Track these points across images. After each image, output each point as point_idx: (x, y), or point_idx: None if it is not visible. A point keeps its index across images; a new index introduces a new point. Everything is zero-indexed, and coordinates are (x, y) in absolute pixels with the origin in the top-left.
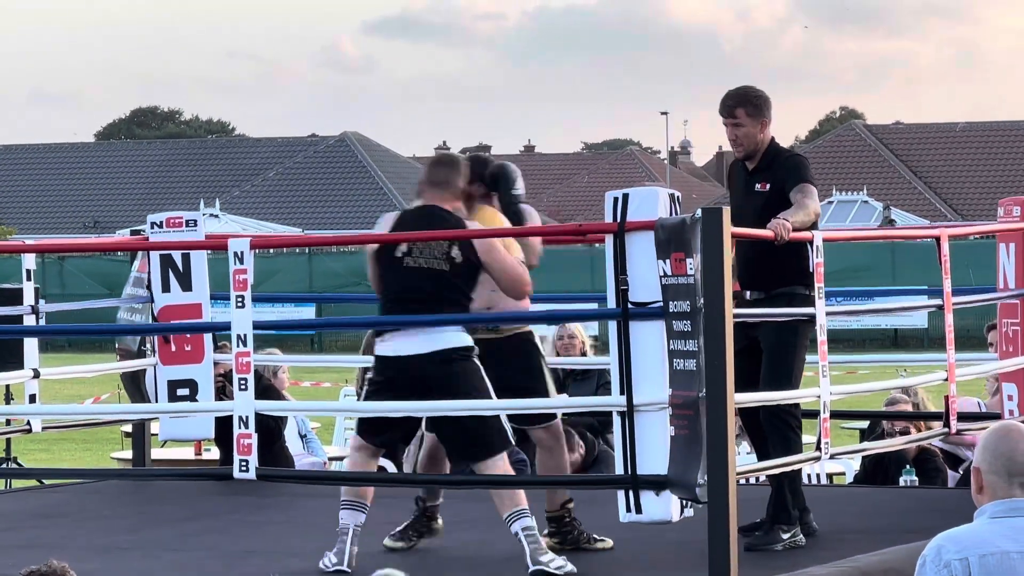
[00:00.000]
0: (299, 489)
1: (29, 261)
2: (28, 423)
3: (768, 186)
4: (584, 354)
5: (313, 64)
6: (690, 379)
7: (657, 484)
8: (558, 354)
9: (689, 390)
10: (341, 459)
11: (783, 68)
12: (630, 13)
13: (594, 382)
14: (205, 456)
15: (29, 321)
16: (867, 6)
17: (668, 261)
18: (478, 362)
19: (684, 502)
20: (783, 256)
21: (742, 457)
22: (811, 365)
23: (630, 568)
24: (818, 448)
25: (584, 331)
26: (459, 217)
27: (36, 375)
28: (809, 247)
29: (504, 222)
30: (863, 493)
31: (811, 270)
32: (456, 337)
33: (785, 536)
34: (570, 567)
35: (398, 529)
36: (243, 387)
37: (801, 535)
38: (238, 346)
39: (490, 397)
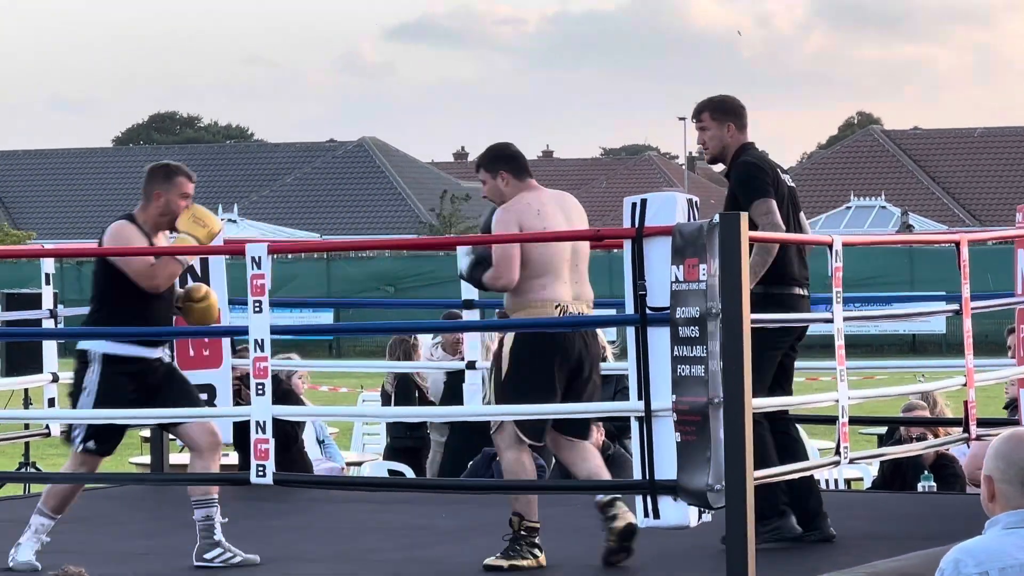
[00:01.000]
0: (317, 494)
1: (48, 266)
2: (47, 427)
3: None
4: (604, 359)
5: (332, 69)
6: (698, 385)
7: (675, 489)
8: None
9: (697, 396)
10: (360, 464)
11: (802, 74)
12: (650, 18)
13: (612, 387)
14: (223, 461)
15: (48, 325)
16: (888, 12)
17: (682, 267)
18: None
19: (701, 508)
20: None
21: None
22: (829, 371)
23: (648, 572)
24: (837, 452)
25: (604, 336)
26: None
27: (55, 379)
28: (829, 251)
29: None
30: (881, 499)
31: (781, 271)
32: None
33: (764, 530)
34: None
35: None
36: (260, 392)
37: (785, 528)
38: (255, 351)
39: None
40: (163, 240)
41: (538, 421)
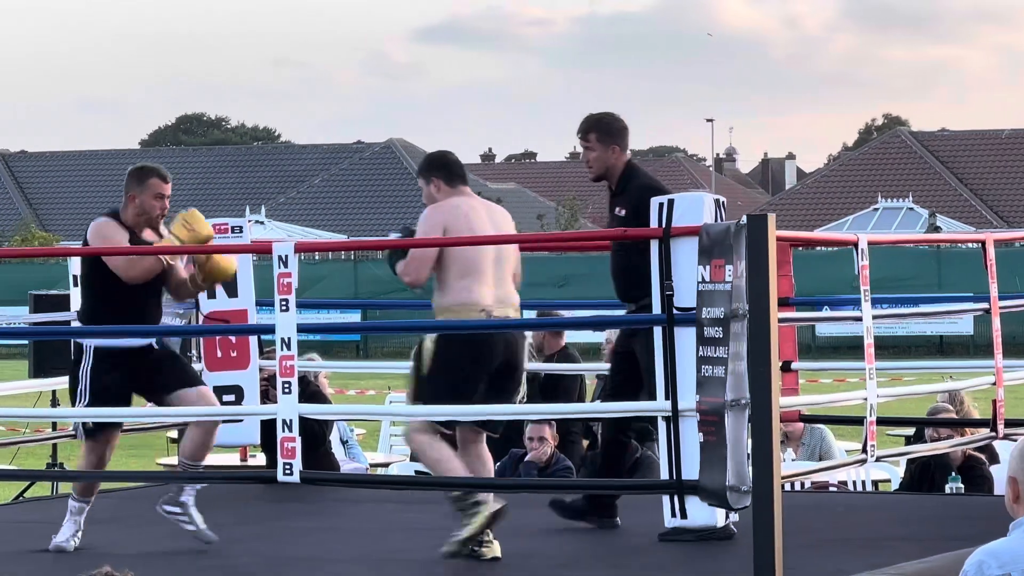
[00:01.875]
0: (343, 494)
1: (75, 267)
2: (74, 428)
3: (624, 211)
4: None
5: (361, 71)
6: (719, 386)
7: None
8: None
9: (717, 396)
10: (387, 465)
11: (830, 75)
12: (678, 20)
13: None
14: (251, 462)
15: (75, 327)
16: (916, 13)
17: (708, 267)
18: None
19: (722, 508)
20: (646, 269)
21: (786, 463)
22: (858, 371)
23: (674, 572)
24: (864, 451)
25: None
26: None
27: None
28: (855, 250)
29: None
30: (908, 500)
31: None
32: None
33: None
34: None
35: None
36: (287, 391)
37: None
38: (282, 350)
39: None
40: (153, 237)
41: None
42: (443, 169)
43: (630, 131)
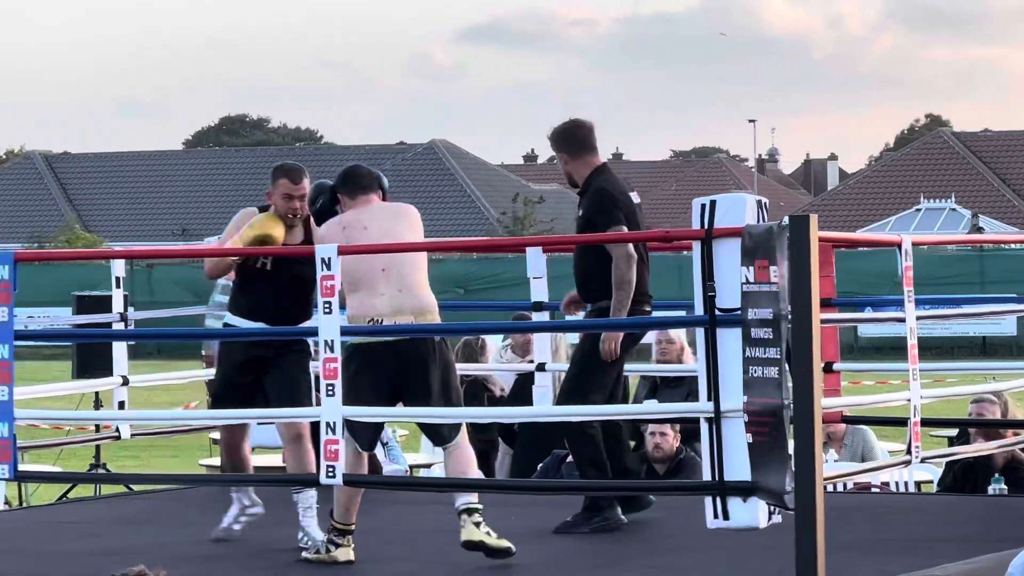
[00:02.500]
0: (386, 496)
1: (118, 268)
2: (117, 429)
3: (581, 212)
4: (681, 360)
5: (403, 72)
6: (771, 387)
7: (744, 490)
8: (657, 360)
9: (770, 398)
10: (429, 466)
11: (873, 75)
12: (720, 20)
13: (685, 389)
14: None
15: (118, 328)
16: (960, 13)
17: (751, 268)
18: None
19: (772, 509)
20: (602, 271)
21: (828, 464)
22: (900, 372)
23: (716, 573)
24: (908, 452)
25: (683, 337)
26: None
27: (125, 382)
28: (898, 251)
29: None
30: (951, 501)
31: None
32: None
33: (595, 519)
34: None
35: None
36: (330, 393)
37: (612, 520)
38: (326, 352)
39: None
40: (295, 236)
41: (366, 429)
42: (346, 183)
43: (584, 135)
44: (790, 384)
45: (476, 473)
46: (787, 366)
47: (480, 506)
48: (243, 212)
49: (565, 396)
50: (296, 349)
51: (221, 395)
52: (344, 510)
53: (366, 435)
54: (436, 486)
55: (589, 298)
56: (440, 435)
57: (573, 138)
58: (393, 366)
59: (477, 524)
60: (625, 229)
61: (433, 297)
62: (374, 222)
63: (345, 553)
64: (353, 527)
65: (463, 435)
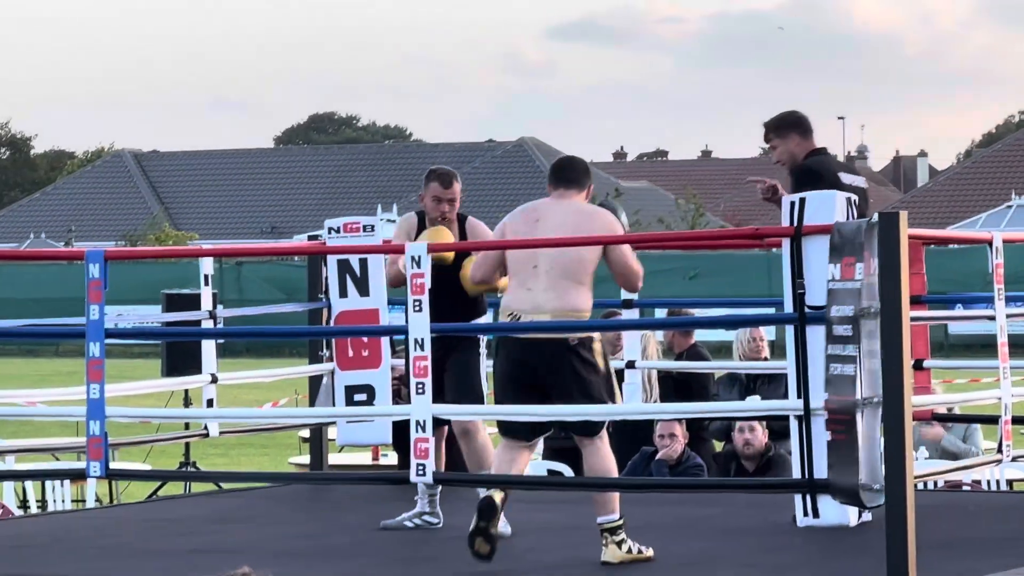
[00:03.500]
0: (475, 494)
1: (207, 266)
2: (205, 427)
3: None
4: (766, 358)
5: (493, 69)
6: (848, 384)
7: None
8: (744, 358)
9: (847, 395)
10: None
11: (964, 71)
12: (810, 17)
13: (782, 386)
14: (382, 461)
15: (207, 326)
16: None
17: (838, 265)
18: None
19: (855, 506)
20: None
21: (919, 462)
22: (991, 370)
23: (805, 572)
24: (999, 450)
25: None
26: None
27: (214, 380)
28: (988, 248)
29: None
30: None
31: None
32: None
33: None
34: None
35: None
36: (420, 391)
37: None
38: (415, 350)
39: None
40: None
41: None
42: (550, 173)
43: (807, 120)
44: (875, 381)
45: (613, 474)
46: (871, 363)
47: (620, 523)
48: (404, 219)
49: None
50: (466, 347)
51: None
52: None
53: (521, 428)
54: (527, 484)
55: None
56: (577, 431)
57: (801, 121)
58: (524, 363)
59: (619, 544)
60: None
61: (585, 300)
62: (551, 216)
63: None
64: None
65: (602, 436)
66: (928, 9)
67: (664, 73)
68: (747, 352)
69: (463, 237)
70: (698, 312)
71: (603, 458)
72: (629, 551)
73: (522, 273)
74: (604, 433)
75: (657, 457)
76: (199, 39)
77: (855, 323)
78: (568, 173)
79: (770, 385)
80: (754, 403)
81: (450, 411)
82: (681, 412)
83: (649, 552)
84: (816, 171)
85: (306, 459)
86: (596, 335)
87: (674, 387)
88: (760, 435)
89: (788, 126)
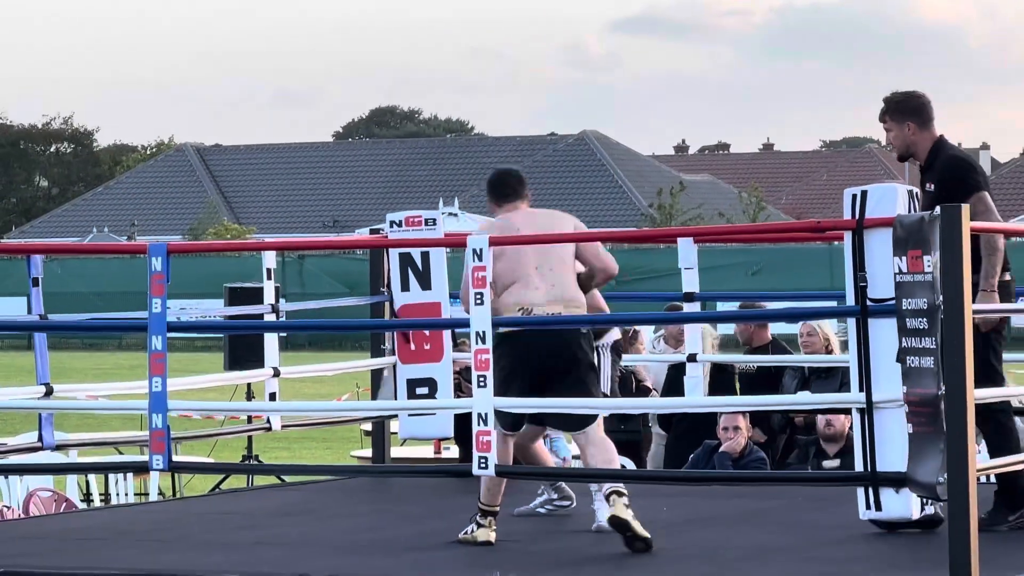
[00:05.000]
0: (537, 488)
1: (269, 260)
2: (268, 421)
3: (933, 186)
4: (829, 351)
5: (556, 62)
6: (928, 376)
7: (897, 481)
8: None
9: (927, 388)
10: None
11: None
12: (875, 11)
13: (837, 380)
14: (444, 455)
15: (269, 320)
16: None
17: (904, 258)
18: None
19: (924, 500)
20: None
21: (981, 455)
22: None
23: (867, 565)
24: None
25: (829, 328)
26: None
27: (276, 373)
28: None
29: None
30: None
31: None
32: None
33: (1011, 518)
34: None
35: None
36: (482, 384)
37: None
38: (477, 343)
39: None
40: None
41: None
42: (492, 190)
43: (929, 107)
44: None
45: (618, 462)
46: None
47: (626, 491)
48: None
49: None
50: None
51: None
52: (488, 492)
53: (507, 418)
54: (591, 476)
55: None
56: (568, 423)
57: (923, 108)
58: (539, 355)
59: (626, 505)
60: (989, 197)
61: (582, 294)
62: (526, 225)
63: (485, 534)
64: (497, 509)
65: (597, 425)
66: (992, 2)
67: (726, 66)
68: (801, 345)
69: None
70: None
71: (605, 450)
72: (634, 518)
73: (524, 275)
74: (600, 421)
75: (721, 449)
76: (261, 33)
77: (931, 316)
78: (514, 186)
79: (825, 379)
80: (816, 396)
81: (513, 404)
82: (739, 404)
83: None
84: (974, 164)
85: (368, 452)
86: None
87: (749, 381)
88: (843, 418)
89: (907, 112)
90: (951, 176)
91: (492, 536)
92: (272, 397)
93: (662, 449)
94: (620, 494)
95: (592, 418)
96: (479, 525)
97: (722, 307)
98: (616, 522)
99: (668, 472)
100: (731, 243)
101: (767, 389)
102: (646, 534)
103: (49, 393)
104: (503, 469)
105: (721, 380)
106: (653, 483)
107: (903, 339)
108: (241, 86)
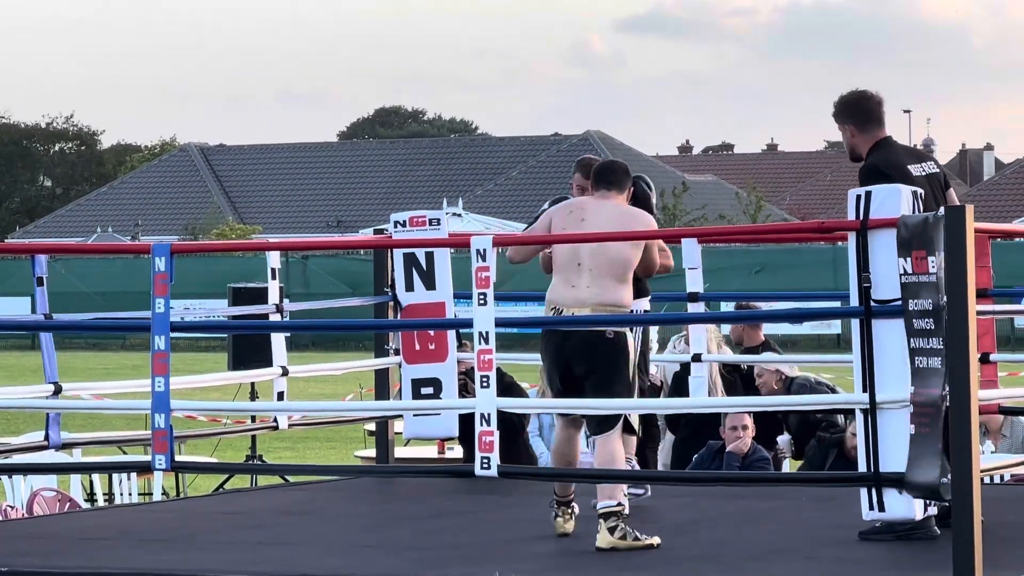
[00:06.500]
0: (542, 487)
1: (274, 260)
2: (274, 420)
3: None
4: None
5: (560, 62)
6: (934, 377)
7: (900, 482)
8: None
9: (932, 388)
10: None
11: None
12: (879, 10)
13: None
14: (448, 455)
15: (274, 320)
16: None
17: (909, 259)
18: None
19: (928, 501)
20: None
21: (985, 456)
22: None
23: (870, 566)
24: None
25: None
26: None
27: (284, 373)
28: None
29: None
30: None
31: None
32: None
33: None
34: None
35: None
36: (485, 384)
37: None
38: (480, 343)
39: None
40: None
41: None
42: (594, 176)
43: (871, 108)
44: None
45: (621, 462)
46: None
47: (618, 509)
48: (553, 204)
49: None
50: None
51: None
52: (560, 484)
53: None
54: (594, 477)
55: None
56: (588, 424)
57: (861, 109)
58: (564, 355)
59: (611, 530)
60: None
61: (626, 296)
62: (596, 216)
63: (561, 525)
64: (571, 498)
65: (613, 434)
66: (997, 2)
67: (732, 65)
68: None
69: None
70: (764, 306)
71: (613, 451)
72: (623, 537)
73: (566, 270)
74: (619, 427)
75: (728, 449)
76: (265, 32)
77: (937, 316)
78: (610, 176)
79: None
80: (818, 397)
81: (515, 404)
82: (744, 405)
83: (652, 540)
84: (882, 171)
85: (372, 452)
86: (629, 332)
87: (743, 381)
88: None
89: (846, 115)
90: (862, 185)
91: (569, 527)
92: (280, 396)
93: (671, 445)
94: (608, 516)
95: (612, 424)
96: (555, 516)
97: (723, 307)
98: (605, 551)
99: (673, 473)
100: (734, 243)
101: (755, 391)
102: (641, 544)
103: (58, 392)
104: (505, 469)
105: (732, 381)
106: (659, 484)
107: (911, 340)
108: (245, 86)
